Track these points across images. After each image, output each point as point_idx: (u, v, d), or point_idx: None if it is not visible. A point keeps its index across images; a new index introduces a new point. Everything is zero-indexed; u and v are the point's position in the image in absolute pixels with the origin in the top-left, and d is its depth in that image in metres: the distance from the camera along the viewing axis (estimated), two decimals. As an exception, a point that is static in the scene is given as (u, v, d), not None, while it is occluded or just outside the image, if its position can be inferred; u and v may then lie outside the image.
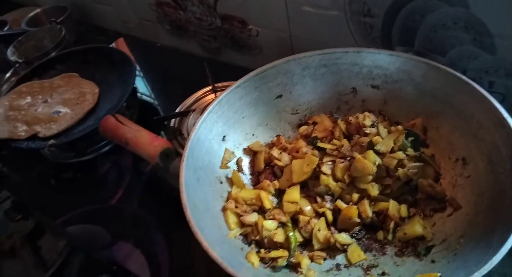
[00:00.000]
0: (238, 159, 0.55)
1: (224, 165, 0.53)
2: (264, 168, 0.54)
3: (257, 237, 0.47)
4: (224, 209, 0.49)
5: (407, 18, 0.57)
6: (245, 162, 0.56)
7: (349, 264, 0.46)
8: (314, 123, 0.56)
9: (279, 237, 0.47)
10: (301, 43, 0.71)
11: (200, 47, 0.89)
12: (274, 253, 0.45)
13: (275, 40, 0.75)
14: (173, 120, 0.73)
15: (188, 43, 0.90)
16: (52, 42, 0.89)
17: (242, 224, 0.48)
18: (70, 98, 0.73)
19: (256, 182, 0.54)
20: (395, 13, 0.58)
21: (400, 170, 0.48)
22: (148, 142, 0.56)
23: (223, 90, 0.74)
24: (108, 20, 1.04)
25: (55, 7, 1.04)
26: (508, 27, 0.48)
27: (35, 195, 0.70)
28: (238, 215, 0.49)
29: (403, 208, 0.47)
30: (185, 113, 0.71)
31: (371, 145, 0.49)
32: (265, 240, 0.47)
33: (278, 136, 0.57)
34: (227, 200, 0.50)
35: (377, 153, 0.48)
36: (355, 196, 0.49)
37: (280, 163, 0.52)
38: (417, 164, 0.48)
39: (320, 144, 0.51)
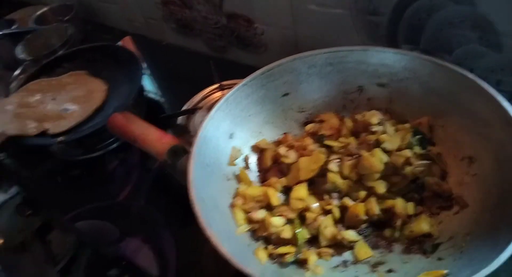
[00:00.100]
0: (245, 156, 0.56)
1: (231, 163, 0.54)
2: (271, 166, 0.55)
3: (265, 234, 0.48)
4: (232, 206, 0.50)
5: (413, 16, 0.57)
6: (252, 159, 0.56)
7: (356, 261, 0.46)
8: (321, 121, 0.56)
9: (287, 233, 0.47)
10: (307, 41, 0.71)
11: (205, 46, 0.90)
12: (281, 249, 0.46)
13: (281, 38, 0.75)
14: (180, 118, 0.73)
15: (193, 41, 0.91)
16: (59, 41, 0.90)
17: (250, 221, 0.49)
18: (78, 95, 0.74)
19: (263, 179, 0.55)
20: (401, 11, 0.58)
21: (407, 168, 0.48)
22: (156, 139, 0.56)
23: (229, 88, 0.74)
24: (114, 18, 1.05)
25: (62, 6, 1.05)
26: (515, 26, 0.48)
27: (44, 191, 0.71)
28: (246, 212, 0.49)
29: (410, 206, 0.48)
30: (192, 111, 0.72)
31: (378, 143, 0.49)
32: (273, 237, 0.47)
33: (285, 134, 0.57)
34: (234, 197, 0.51)
35: (384, 151, 0.49)
36: (362, 193, 0.49)
37: (287, 161, 0.53)
38: (424, 162, 0.48)
39: (327, 142, 0.52)
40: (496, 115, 0.44)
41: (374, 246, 0.47)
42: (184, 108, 0.75)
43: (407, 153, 0.49)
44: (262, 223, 0.48)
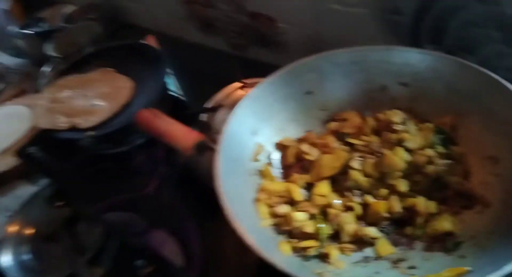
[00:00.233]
0: (268, 153, 0.57)
1: (254, 159, 0.56)
2: (294, 163, 0.56)
3: (288, 228, 0.49)
4: (256, 200, 0.51)
5: (437, 16, 0.58)
6: (275, 156, 0.58)
7: (377, 257, 0.47)
8: (343, 120, 0.57)
9: (309, 228, 0.48)
10: (328, 41, 0.72)
11: (227, 44, 0.92)
12: (304, 243, 0.47)
13: (302, 37, 0.76)
14: (202, 115, 0.75)
15: (215, 40, 0.93)
16: (87, 39, 0.93)
17: (273, 215, 0.50)
18: (106, 92, 0.76)
19: (285, 176, 0.56)
20: (425, 11, 0.58)
21: (429, 167, 0.49)
22: (182, 135, 0.59)
23: (251, 86, 0.76)
24: (139, 17, 1.08)
25: (89, 5, 1.08)
26: (542, 26, 0.48)
27: (74, 183, 0.74)
28: (269, 206, 0.51)
29: (432, 204, 0.48)
30: (215, 109, 0.73)
31: (400, 142, 0.50)
32: (296, 231, 0.49)
33: (308, 131, 0.59)
34: (258, 192, 0.53)
35: (406, 149, 0.49)
36: (384, 191, 0.50)
37: (310, 158, 0.54)
38: (447, 161, 0.49)
39: (349, 140, 0.53)
40: (521, 115, 0.45)
41: (395, 243, 0.48)
42: (207, 105, 0.77)
43: (430, 152, 0.49)
44: (285, 217, 0.50)
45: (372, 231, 0.49)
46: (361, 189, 0.51)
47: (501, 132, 0.47)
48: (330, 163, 0.52)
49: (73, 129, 0.72)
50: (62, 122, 0.73)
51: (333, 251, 0.47)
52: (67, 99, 0.78)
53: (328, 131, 0.58)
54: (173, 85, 0.88)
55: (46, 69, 0.97)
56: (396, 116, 0.52)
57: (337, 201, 0.51)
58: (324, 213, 0.51)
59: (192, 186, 0.68)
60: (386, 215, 0.49)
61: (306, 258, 0.47)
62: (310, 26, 0.72)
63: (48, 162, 0.78)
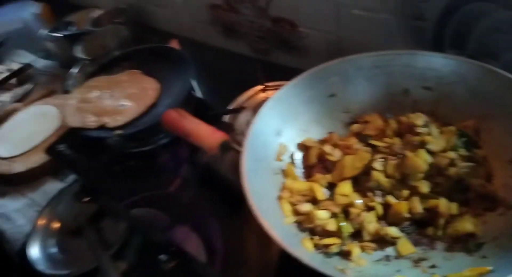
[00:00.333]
0: (291, 153, 0.59)
1: (278, 158, 0.57)
2: (316, 163, 0.58)
3: (310, 225, 0.50)
4: (279, 198, 0.53)
5: (461, 22, 0.58)
6: (298, 156, 0.59)
7: (398, 256, 0.48)
8: (365, 122, 0.59)
9: (332, 226, 0.50)
10: (350, 46, 0.73)
11: (249, 48, 0.94)
12: (327, 240, 0.49)
13: (324, 42, 0.78)
14: (225, 116, 0.78)
15: (238, 44, 0.95)
16: (115, 42, 0.96)
17: (296, 213, 0.52)
18: (133, 93, 0.79)
19: (308, 175, 0.58)
20: (448, 16, 0.59)
21: (451, 169, 0.50)
22: (208, 135, 0.61)
23: (273, 89, 0.78)
24: (163, 21, 1.11)
25: (115, 9, 1.12)
26: None
27: (100, 180, 0.77)
28: (293, 204, 0.52)
29: (454, 206, 0.49)
30: (238, 110, 0.76)
31: (422, 144, 0.51)
32: (318, 229, 0.50)
33: (330, 133, 0.60)
34: (281, 190, 0.54)
35: (429, 152, 0.50)
36: (406, 192, 0.51)
37: (332, 158, 0.56)
38: (469, 164, 0.50)
39: (372, 142, 0.54)
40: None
41: (416, 243, 0.49)
42: (230, 107, 0.79)
43: (452, 154, 0.50)
44: (308, 215, 0.51)
45: (393, 231, 0.50)
46: (382, 189, 0.52)
47: (524, 136, 0.48)
48: (352, 164, 0.53)
49: (101, 128, 0.76)
50: (91, 121, 0.77)
51: (355, 249, 0.48)
52: (95, 99, 0.81)
53: (351, 133, 0.59)
54: (196, 87, 0.91)
55: (74, 70, 1.01)
56: (419, 119, 0.53)
57: (358, 201, 0.52)
58: (345, 212, 0.52)
59: (214, 185, 0.70)
60: (407, 215, 0.50)
61: (328, 255, 0.48)
62: (331, 31, 0.74)
63: (76, 160, 0.81)
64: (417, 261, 0.47)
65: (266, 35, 0.87)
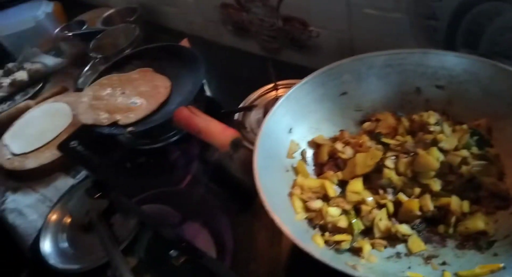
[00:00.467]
0: (302, 150, 0.59)
1: (290, 155, 0.58)
2: (327, 160, 0.58)
3: (321, 222, 0.51)
4: (290, 195, 0.53)
5: (473, 21, 0.58)
6: (309, 153, 0.60)
7: (409, 253, 0.48)
8: (377, 120, 0.59)
9: (343, 223, 0.50)
10: (362, 45, 0.74)
11: (260, 47, 0.95)
12: (338, 237, 0.49)
13: (335, 41, 0.78)
14: (236, 114, 0.78)
15: (249, 43, 0.96)
16: (126, 40, 0.98)
17: (307, 209, 0.52)
18: (145, 90, 0.80)
19: (319, 173, 0.58)
20: (461, 16, 0.59)
21: (464, 168, 0.50)
22: (219, 132, 0.61)
23: (283, 88, 0.79)
24: (174, 20, 1.12)
25: (126, 8, 1.14)
26: None
27: (112, 176, 0.78)
28: (304, 201, 0.53)
29: (465, 204, 0.49)
30: (249, 108, 0.76)
31: (435, 142, 0.51)
32: (329, 225, 0.50)
33: (341, 131, 0.61)
34: (293, 187, 0.55)
35: (441, 150, 0.50)
36: (417, 190, 0.51)
37: (343, 156, 0.56)
38: (481, 162, 0.50)
39: (384, 139, 0.54)
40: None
41: (427, 241, 0.49)
42: (241, 105, 0.80)
43: (464, 153, 0.50)
44: (319, 212, 0.52)
45: (404, 228, 0.50)
46: (394, 187, 0.52)
47: (537, 135, 0.48)
48: (364, 162, 0.53)
49: (113, 125, 0.77)
50: (103, 118, 0.78)
51: (366, 245, 0.49)
52: (108, 97, 0.82)
53: (362, 131, 0.59)
54: (207, 86, 0.92)
55: (86, 68, 1.03)
56: (431, 117, 0.53)
57: (370, 198, 0.52)
58: (356, 209, 0.52)
59: (225, 182, 0.71)
60: (419, 213, 0.50)
61: (339, 251, 0.49)
62: (343, 30, 0.74)
63: (88, 156, 0.83)
64: (428, 258, 0.47)
65: (277, 34, 0.88)
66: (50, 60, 1.19)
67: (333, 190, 0.53)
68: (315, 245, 0.48)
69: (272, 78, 0.78)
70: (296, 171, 0.57)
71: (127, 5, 1.15)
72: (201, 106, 0.80)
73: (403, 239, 0.50)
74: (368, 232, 0.51)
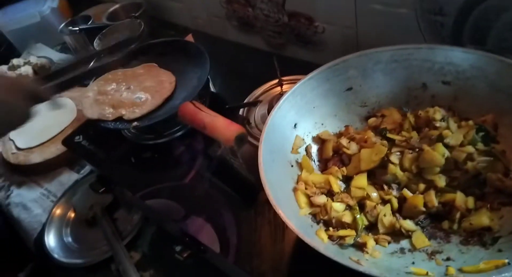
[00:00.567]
0: (307, 146, 0.59)
1: (294, 151, 0.58)
2: (332, 156, 0.58)
3: (326, 217, 0.51)
4: (295, 190, 0.53)
5: (481, 17, 0.58)
6: (314, 149, 0.60)
7: (413, 249, 0.48)
8: (383, 116, 0.59)
9: (347, 218, 0.50)
10: (368, 40, 0.73)
11: (265, 43, 0.94)
12: (342, 232, 0.49)
13: (341, 37, 0.78)
14: (241, 109, 0.78)
15: (253, 38, 0.96)
16: (131, 35, 0.98)
17: (311, 204, 0.52)
18: (150, 85, 0.80)
19: (323, 168, 0.58)
20: (468, 11, 0.59)
21: (469, 164, 0.49)
22: (224, 127, 0.61)
23: (288, 83, 0.79)
24: (179, 16, 1.12)
25: (132, 3, 1.14)
26: None
27: (117, 171, 0.78)
28: (308, 196, 0.53)
29: (470, 200, 0.49)
30: (254, 104, 0.76)
31: (440, 138, 0.51)
32: (333, 220, 0.50)
33: (346, 126, 0.60)
34: (297, 182, 0.55)
35: (446, 146, 0.50)
36: (422, 186, 0.51)
37: (348, 152, 0.56)
38: (487, 158, 0.50)
39: (389, 135, 0.54)
40: None
41: (431, 237, 0.49)
42: (245, 101, 0.80)
43: (470, 149, 0.50)
44: (323, 207, 0.52)
45: (408, 224, 0.50)
46: (398, 183, 0.52)
47: (544, 132, 0.47)
48: (369, 157, 0.53)
49: (118, 120, 0.77)
50: (108, 113, 0.78)
51: (370, 241, 0.49)
52: (113, 92, 0.82)
53: (367, 127, 0.59)
54: (211, 81, 0.92)
55: (91, 64, 1.03)
56: (437, 113, 0.53)
57: (374, 194, 0.52)
58: (361, 205, 0.52)
59: (229, 177, 0.71)
60: (423, 209, 0.50)
61: (343, 246, 0.49)
62: (349, 25, 0.73)
63: (92, 151, 0.83)
64: (432, 254, 0.47)
65: (282, 30, 0.87)
66: (54, 55, 1.19)
67: (337, 185, 0.53)
68: (319, 240, 0.48)
69: (278, 73, 0.78)
70: (300, 166, 0.57)
71: (132, 0, 1.15)
72: (206, 101, 0.80)
73: (407, 235, 0.50)
74: (372, 227, 0.51)
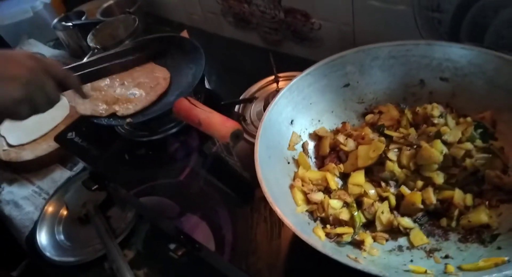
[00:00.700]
0: (304, 142, 0.59)
1: (291, 147, 0.57)
2: (329, 153, 0.57)
3: (323, 214, 0.50)
4: (291, 187, 0.53)
5: (479, 14, 0.58)
6: (311, 146, 0.59)
7: (411, 247, 0.48)
8: (380, 113, 0.58)
9: (344, 215, 0.49)
10: (365, 37, 0.73)
11: (261, 39, 0.93)
12: (339, 230, 0.48)
13: (338, 33, 0.77)
14: (237, 106, 0.77)
15: (249, 35, 0.95)
16: (126, 31, 0.96)
17: (308, 201, 0.52)
18: (144, 82, 0.79)
19: (320, 165, 0.58)
20: (466, 8, 0.58)
21: (467, 161, 0.49)
22: (220, 123, 0.61)
23: (284, 80, 0.78)
24: (174, 12, 1.11)
25: (126, -1, 1.12)
26: None
27: (110, 168, 0.77)
28: (305, 193, 0.52)
29: (468, 197, 0.48)
30: (250, 100, 0.75)
31: (438, 135, 0.50)
32: (330, 218, 0.50)
33: (343, 123, 0.60)
34: (294, 179, 0.54)
35: (445, 142, 0.50)
36: (420, 183, 0.50)
37: (345, 148, 0.55)
38: (485, 155, 0.49)
39: (387, 132, 0.54)
40: None
41: (429, 234, 0.49)
42: (241, 97, 0.79)
43: (468, 145, 0.49)
44: (320, 204, 0.51)
45: (406, 222, 0.49)
46: (396, 180, 0.52)
47: (542, 129, 0.47)
48: (366, 154, 0.53)
49: (112, 116, 0.76)
50: (101, 109, 0.77)
51: (367, 238, 0.48)
52: (107, 88, 0.81)
53: (365, 123, 0.59)
54: (206, 78, 0.91)
55: (85, 59, 1.01)
56: (435, 109, 0.53)
57: (372, 191, 0.51)
58: (358, 202, 0.52)
59: (223, 175, 0.70)
60: (421, 206, 0.49)
61: (340, 244, 0.48)
62: (346, 22, 0.73)
63: (85, 148, 0.82)
64: (430, 252, 0.46)
65: (279, 26, 0.87)
66: (48, 51, 1.18)
67: (334, 182, 0.53)
68: (316, 238, 0.47)
69: (274, 69, 0.77)
70: (297, 163, 0.56)
71: (127, -4, 1.14)
72: (201, 98, 0.79)
73: (405, 232, 0.49)
74: (369, 225, 0.51)
